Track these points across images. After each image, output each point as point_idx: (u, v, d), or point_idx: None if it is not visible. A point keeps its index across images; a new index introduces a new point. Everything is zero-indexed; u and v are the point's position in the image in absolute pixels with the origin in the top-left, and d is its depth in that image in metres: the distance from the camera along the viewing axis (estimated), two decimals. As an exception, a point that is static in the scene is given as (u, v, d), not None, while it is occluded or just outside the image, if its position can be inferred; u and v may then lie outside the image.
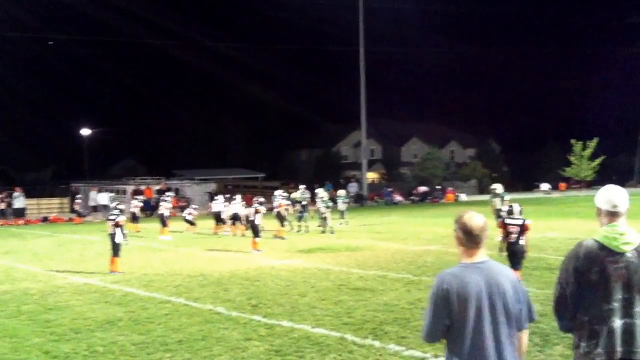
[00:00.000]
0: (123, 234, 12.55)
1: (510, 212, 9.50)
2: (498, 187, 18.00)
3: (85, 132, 41.55)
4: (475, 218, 3.14)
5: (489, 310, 3.02)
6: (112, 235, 12.47)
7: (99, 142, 51.59)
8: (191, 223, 22.30)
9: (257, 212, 16.38)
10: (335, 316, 8.24)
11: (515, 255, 9.46)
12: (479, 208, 24.10)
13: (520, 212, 9.48)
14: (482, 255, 3.14)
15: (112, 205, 13.34)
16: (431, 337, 3.10)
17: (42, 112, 62.15)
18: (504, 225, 9.46)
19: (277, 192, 21.86)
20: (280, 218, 19.77)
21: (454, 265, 3.18)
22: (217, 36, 74.27)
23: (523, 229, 9.38)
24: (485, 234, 3.13)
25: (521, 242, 9.40)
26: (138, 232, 21.88)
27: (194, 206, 24.12)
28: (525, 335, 3.18)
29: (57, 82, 68.83)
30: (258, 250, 15.57)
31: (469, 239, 3.12)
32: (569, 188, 52.90)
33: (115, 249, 12.44)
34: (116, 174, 56.77)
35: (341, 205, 23.87)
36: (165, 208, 21.09)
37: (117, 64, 70.26)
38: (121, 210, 12.96)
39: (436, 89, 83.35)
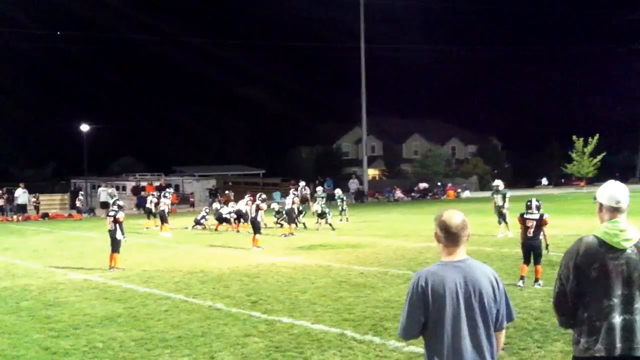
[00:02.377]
0: (122, 230, 12.50)
1: (528, 207, 9.54)
2: (499, 184, 17.97)
3: (85, 128, 41.46)
4: (455, 216, 3.11)
5: (466, 309, 3.00)
6: (112, 232, 12.44)
7: (98, 139, 51.54)
8: (199, 223, 22.31)
9: (258, 209, 16.36)
10: (335, 312, 8.22)
11: (533, 250, 9.51)
12: (480, 205, 24.00)
13: (538, 208, 9.54)
14: (461, 253, 3.11)
15: (112, 201, 13.27)
16: (406, 334, 3.10)
17: (41, 108, 62.13)
18: (522, 220, 9.52)
19: (292, 190, 22.15)
20: (291, 215, 19.80)
21: (433, 263, 3.18)
22: (218, 34, 74.20)
23: (541, 223, 9.44)
24: (464, 232, 3.10)
25: (540, 237, 9.49)
26: (157, 226, 21.85)
27: (207, 209, 24.14)
28: (502, 334, 3.17)
29: (56, 79, 68.80)
30: (258, 247, 15.54)
31: (448, 237, 3.10)
32: (571, 184, 53.05)
33: (115, 245, 12.41)
34: (115, 170, 56.73)
35: (339, 203, 24.01)
36: (165, 204, 21.07)
37: (116, 61, 70.22)
38: (120, 207, 12.92)
39: (437, 85, 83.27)
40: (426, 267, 3.17)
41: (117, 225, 12.36)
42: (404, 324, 3.08)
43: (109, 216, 12.66)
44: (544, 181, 51.11)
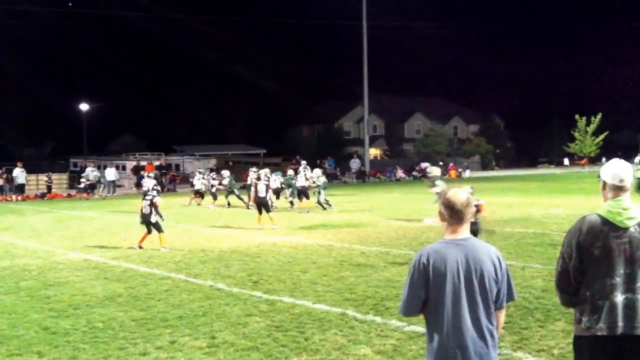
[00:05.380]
0: (158, 213, 12.28)
1: None
2: (434, 170, 17.27)
3: (84, 107, 41.26)
4: (459, 194, 3.12)
5: (466, 287, 3.02)
6: (147, 215, 12.16)
7: (97, 118, 51.40)
8: (199, 195, 22.36)
9: (268, 188, 16.39)
10: (337, 292, 8.18)
11: (474, 234, 9.70)
12: (482, 184, 23.89)
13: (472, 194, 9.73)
14: (465, 231, 3.12)
15: (151, 185, 13.30)
16: (408, 311, 3.13)
17: (40, 87, 61.75)
18: None
19: (300, 168, 22.32)
20: (304, 193, 20.23)
21: (436, 241, 3.17)
22: (218, 13, 73.44)
23: (478, 209, 9.76)
24: (469, 210, 3.11)
25: (478, 221, 9.79)
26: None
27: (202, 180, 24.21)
28: (502, 313, 3.19)
29: (55, 57, 68.32)
30: (270, 226, 15.41)
31: (452, 214, 3.10)
32: (574, 164, 53.03)
33: (157, 226, 12.20)
34: (115, 149, 56.60)
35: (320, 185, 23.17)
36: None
37: (117, 39, 69.66)
38: (158, 191, 12.85)
39: (440, 64, 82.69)
40: (429, 245, 3.17)
41: (154, 209, 12.19)
42: (405, 301, 3.11)
43: (145, 199, 12.40)
44: (566, 161, 51.25)
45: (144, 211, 12.32)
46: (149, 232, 12.37)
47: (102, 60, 69.44)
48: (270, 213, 15.82)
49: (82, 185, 31.14)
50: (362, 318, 6.88)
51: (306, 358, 5.62)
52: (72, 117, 50.18)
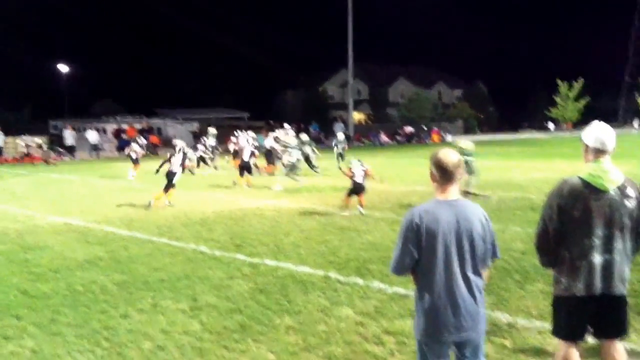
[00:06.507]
0: (191, 171, 13.50)
1: (355, 164, 11.71)
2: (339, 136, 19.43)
3: (64, 68, 40.22)
4: (450, 155, 3.18)
5: (457, 247, 3.09)
6: (172, 174, 12.86)
7: (77, 82, 50.30)
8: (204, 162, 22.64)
9: (252, 154, 16.59)
10: (320, 255, 8.20)
11: (358, 193, 11.59)
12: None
13: (362, 163, 11.80)
14: (455, 192, 3.17)
15: (187, 151, 14.28)
16: (398, 269, 3.18)
17: (20, 49, 60.12)
18: (351, 171, 11.65)
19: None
20: (273, 157, 20.48)
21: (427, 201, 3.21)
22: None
23: (366, 173, 11.70)
24: (459, 171, 3.15)
25: (364, 182, 11.64)
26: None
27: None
28: (487, 272, 3.28)
29: (35, 19, 66.37)
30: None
31: (443, 175, 3.15)
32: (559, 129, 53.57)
33: (170, 183, 12.87)
34: (95, 113, 55.56)
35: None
36: (133, 150, 20.99)
37: (98, 1, 67.64)
38: (185, 154, 13.62)
39: (424, 29, 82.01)
40: (420, 205, 3.21)
41: (183, 170, 13.09)
42: (397, 260, 3.15)
43: (170, 161, 13.02)
44: (551, 126, 51.83)
45: (173, 169, 12.90)
46: (168, 188, 12.90)
47: (82, 23, 67.68)
48: (242, 178, 16.03)
49: (24, 151, 30.37)
50: (344, 280, 6.91)
51: (289, 320, 5.63)
52: (51, 81, 49.06)
